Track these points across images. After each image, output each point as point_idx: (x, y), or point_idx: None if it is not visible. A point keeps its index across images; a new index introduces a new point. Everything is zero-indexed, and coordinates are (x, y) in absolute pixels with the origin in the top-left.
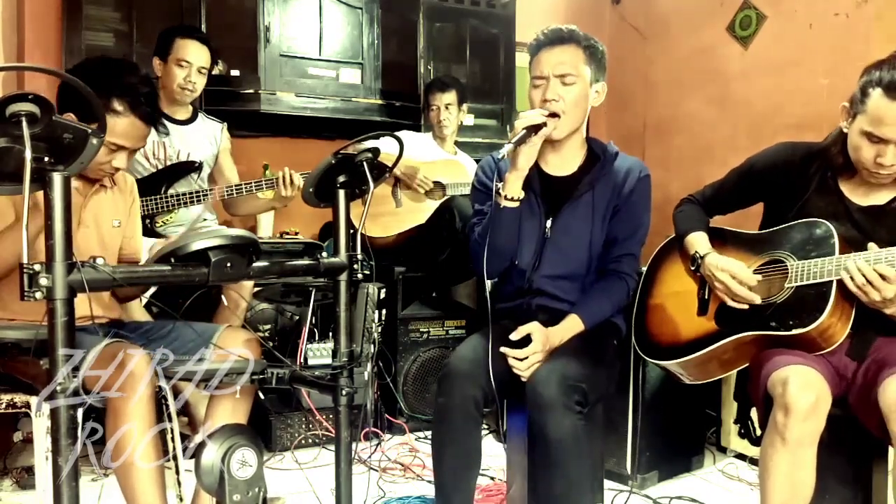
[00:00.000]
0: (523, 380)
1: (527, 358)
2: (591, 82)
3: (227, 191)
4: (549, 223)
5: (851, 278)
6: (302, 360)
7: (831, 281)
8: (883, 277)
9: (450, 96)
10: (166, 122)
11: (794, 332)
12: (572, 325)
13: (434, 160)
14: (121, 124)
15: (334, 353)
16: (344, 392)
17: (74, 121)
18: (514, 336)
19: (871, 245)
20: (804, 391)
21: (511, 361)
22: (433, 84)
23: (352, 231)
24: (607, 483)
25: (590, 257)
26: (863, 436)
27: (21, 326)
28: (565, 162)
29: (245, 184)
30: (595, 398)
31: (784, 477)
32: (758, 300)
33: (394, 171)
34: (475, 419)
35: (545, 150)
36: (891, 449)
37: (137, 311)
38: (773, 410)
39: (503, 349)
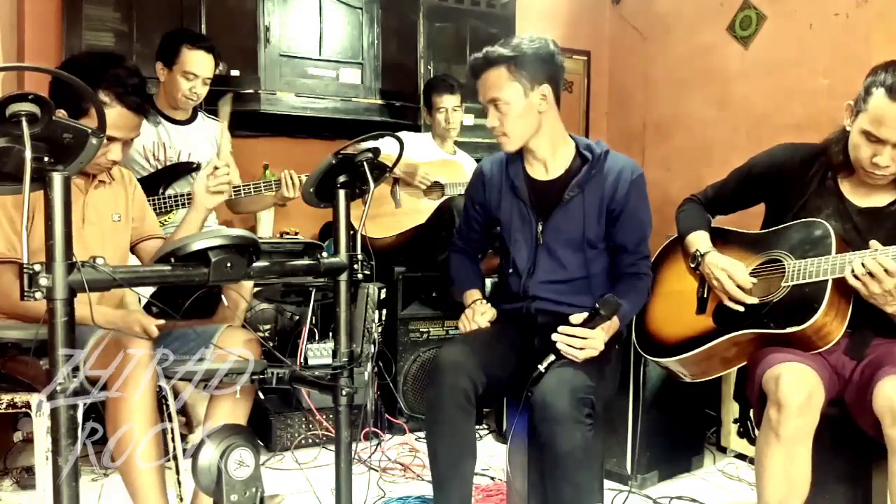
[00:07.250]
0: (573, 357)
1: (585, 339)
2: (528, 92)
3: (233, 192)
4: (540, 229)
5: (853, 271)
6: (302, 360)
7: (826, 280)
8: (885, 271)
9: (457, 98)
10: (166, 123)
11: (789, 330)
12: (612, 324)
13: (432, 160)
14: (109, 115)
15: (334, 353)
16: (344, 392)
17: (65, 118)
18: (575, 319)
19: (874, 242)
20: (796, 387)
21: (562, 339)
22: (441, 86)
23: (352, 232)
24: (607, 483)
25: (584, 259)
26: (862, 436)
27: (21, 326)
28: (552, 166)
29: (253, 184)
30: (601, 405)
31: (779, 473)
32: (753, 301)
33: (393, 171)
34: (466, 409)
35: (529, 157)
36: (889, 454)
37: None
38: (766, 407)
39: (560, 329)
